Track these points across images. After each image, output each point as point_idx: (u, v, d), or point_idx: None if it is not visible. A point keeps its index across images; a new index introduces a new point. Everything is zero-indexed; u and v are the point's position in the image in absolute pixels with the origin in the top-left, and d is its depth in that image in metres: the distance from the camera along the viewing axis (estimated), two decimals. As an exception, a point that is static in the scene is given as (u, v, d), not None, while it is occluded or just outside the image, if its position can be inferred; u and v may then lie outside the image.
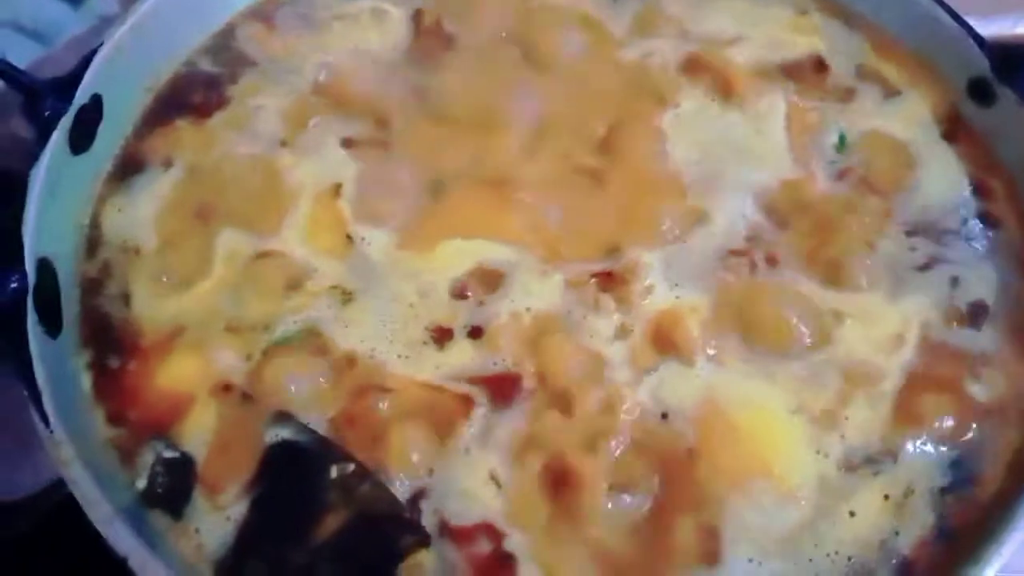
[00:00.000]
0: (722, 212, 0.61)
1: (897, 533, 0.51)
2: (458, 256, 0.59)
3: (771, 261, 0.60)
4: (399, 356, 0.55)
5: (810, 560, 0.50)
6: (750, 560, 0.50)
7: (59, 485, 0.62)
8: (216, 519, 0.50)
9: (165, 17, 0.66)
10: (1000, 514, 0.49)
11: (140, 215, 0.60)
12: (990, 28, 1.00)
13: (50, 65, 0.83)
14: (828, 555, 0.50)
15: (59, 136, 0.57)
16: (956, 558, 0.49)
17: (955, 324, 0.57)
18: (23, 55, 0.80)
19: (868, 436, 0.53)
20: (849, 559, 0.50)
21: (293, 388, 0.53)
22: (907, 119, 0.66)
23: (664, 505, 0.51)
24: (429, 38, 0.70)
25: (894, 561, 0.50)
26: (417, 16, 0.72)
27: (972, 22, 1.00)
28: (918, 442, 0.53)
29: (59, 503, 0.64)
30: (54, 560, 0.67)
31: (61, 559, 0.66)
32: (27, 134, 0.62)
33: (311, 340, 0.55)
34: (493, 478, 0.51)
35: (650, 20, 0.72)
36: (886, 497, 0.52)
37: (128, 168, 0.63)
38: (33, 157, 0.56)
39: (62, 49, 0.84)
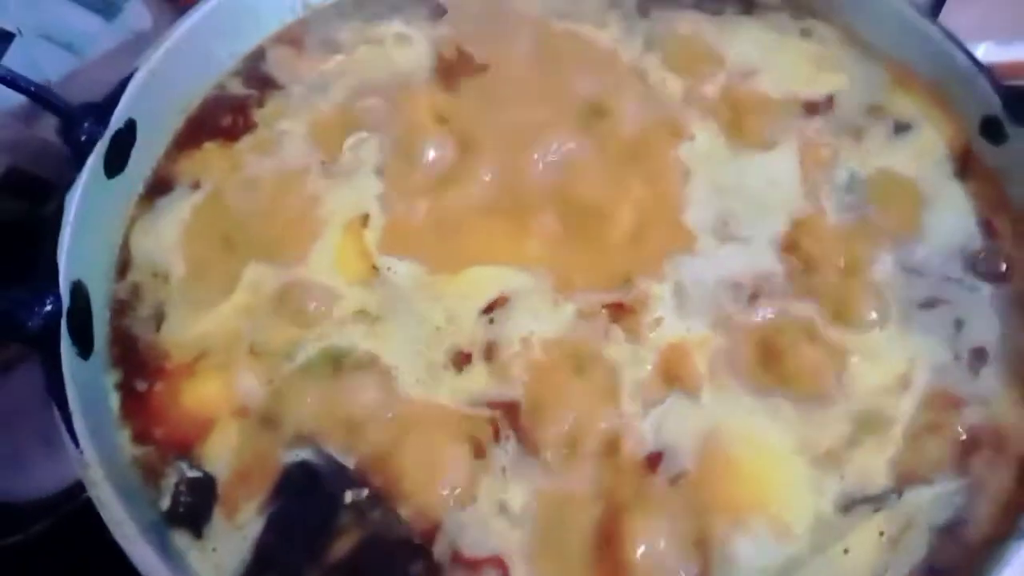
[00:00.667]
0: (734, 246, 0.63)
1: (886, 570, 0.52)
2: (478, 284, 0.61)
3: (781, 298, 0.61)
4: (417, 380, 0.57)
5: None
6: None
7: (79, 487, 0.66)
8: (234, 538, 0.52)
9: (198, 40, 0.68)
10: (987, 554, 0.50)
11: (167, 238, 0.62)
12: (1010, 53, 1.02)
13: (82, 78, 0.85)
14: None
15: (94, 161, 0.59)
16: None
17: (957, 367, 0.58)
18: (55, 67, 0.83)
19: (869, 478, 0.55)
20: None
21: (311, 413, 0.55)
22: (921, 154, 0.67)
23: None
24: (452, 63, 0.72)
25: (877, 599, 0.51)
26: (440, 42, 0.73)
27: (992, 47, 1.01)
28: (918, 484, 0.54)
29: (78, 508, 0.68)
30: (70, 562, 0.69)
31: (77, 561, 0.68)
32: (55, 139, 0.64)
33: (332, 365, 0.57)
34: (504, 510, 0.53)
35: (671, 47, 0.73)
36: (881, 534, 0.53)
37: (158, 190, 0.65)
38: (62, 163, 0.59)
39: (94, 63, 0.86)
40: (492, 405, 0.56)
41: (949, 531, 0.53)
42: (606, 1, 0.76)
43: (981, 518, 0.53)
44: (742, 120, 0.68)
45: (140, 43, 0.87)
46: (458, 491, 0.53)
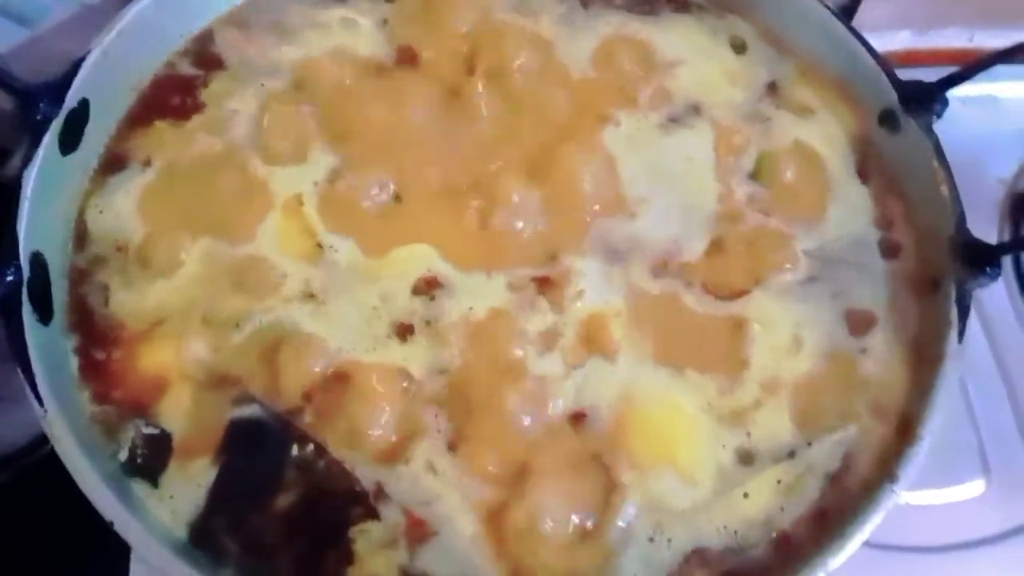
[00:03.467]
0: (650, 226, 0.68)
1: (782, 509, 0.59)
2: (412, 261, 0.65)
3: (689, 272, 0.67)
4: (367, 350, 0.62)
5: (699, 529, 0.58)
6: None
7: (38, 443, 0.69)
8: (188, 486, 0.57)
9: (149, 20, 0.70)
10: (866, 498, 0.57)
11: (121, 212, 0.65)
12: (931, 41, 1.09)
13: (35, 49, 0.87)
14: (717, 528, 0.58)
15: (50, 138, 0.62)
16: (826, 532, 0.57)
17: (847, 331, 0.65)
18: (7, 38, 0.85)
19: (775, 434, 0.61)
20: (735, 533, 0.58)
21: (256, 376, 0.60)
22: (823, 140, 0.73)
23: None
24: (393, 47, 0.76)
25: (773, 535, 0.58)
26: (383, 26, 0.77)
27: (910, 36, 1.08)
28: (814, 440, 0.61)
29: (38, 460, 0.71)
30: (30, 512, 0.73)
31: (37, 511, 0.72)
32: (7, 106, 0.67)
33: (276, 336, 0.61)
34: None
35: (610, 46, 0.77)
36: (778, 482, 0.60)
37: (111, 166, 0.68)
38: (16, 131, 0.61)
39: (46, 32, 0.88)
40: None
41: (836, 478, 0.60)
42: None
43: (861, 466, 0.60)
44: (662, 108, 0.73)
45: (91, 15, 0.89)
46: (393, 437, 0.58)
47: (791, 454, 0.60)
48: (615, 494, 0.57)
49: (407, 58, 0.75)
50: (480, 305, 0.64)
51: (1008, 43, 1.03)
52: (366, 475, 0.57)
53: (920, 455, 0.57)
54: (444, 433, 0.59)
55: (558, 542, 0.56)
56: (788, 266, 0.67)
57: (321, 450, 0.58)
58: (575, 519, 0.57)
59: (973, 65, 0.68)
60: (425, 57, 0.75)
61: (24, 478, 0.73)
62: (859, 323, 0.66)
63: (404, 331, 0.63)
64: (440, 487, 0.57)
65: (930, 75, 0.69)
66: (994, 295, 0.87)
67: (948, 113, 0.68)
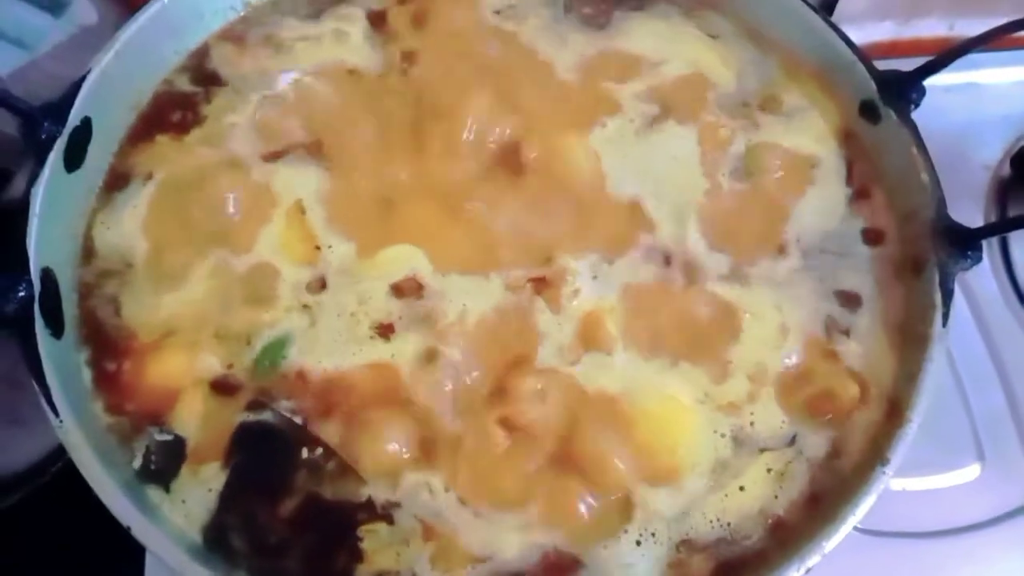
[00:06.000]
0: (642, 223, 0.70)
1: (776, 496, 0.61)
2: (405, 260, 0.67)
3: (684, 266, 0.68)
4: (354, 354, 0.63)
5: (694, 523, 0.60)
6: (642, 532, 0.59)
7: (48, 462, 0.71)
8: (200, 491, 0.59)
9: (146, 39, 0.72)
10: (858, 482, 0.59)
11: (126, 228, 0.67)
12: (912, 30, 1.10)
13: (33, 72, 0.89)
14: (710, 522, 0.60)
15: (55, 156, 0.64)
16: (820, 516, 0.58)
17: (835, 314, 0.67)
18: (7, 62, 0.87)
19: (764, 421, 0.63)
20: (729, 524, 0.60)
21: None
22: (809, 134, 0.75)
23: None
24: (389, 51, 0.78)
25: (770, 521, 0.60)
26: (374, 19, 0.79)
27: (891, 26, 1.09)
28: (806, 426, 0.63)
29: (48, 481, 0.73)
30: (42, 532, 0.74)
31: (49, 530, 0.73)
32: (9, 129, 0.69)
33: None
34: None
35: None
36: (768, 470, 0.62)
37: (116, 183, 0.69)
38: (18, 154, 0.64)
39: (44, 57, 0.90)
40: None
41: (826, 463, 0.62)
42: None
43: (852, 451, 0.62)
44: (648, 106, 0.75)
45: (87, 37, 0.92)
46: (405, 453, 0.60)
47: (791, 441, 0.62)
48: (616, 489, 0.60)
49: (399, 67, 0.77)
50: (478, 306, 0.65)
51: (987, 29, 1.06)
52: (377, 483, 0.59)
53: (909, 437, 0.59)
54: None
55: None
56: (775, 254, 0.69)
57: (330, 453, 0.59)
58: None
59: (948, 53, 0.69)
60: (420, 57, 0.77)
61: (33, 501, 0.75)
62: (847, 302, 0.67)
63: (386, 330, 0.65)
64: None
65: (912, 65, 0.70)
66: (982, 279, 0.89)
67: (932, 101, 0.70)
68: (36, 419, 0.56)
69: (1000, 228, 0.81)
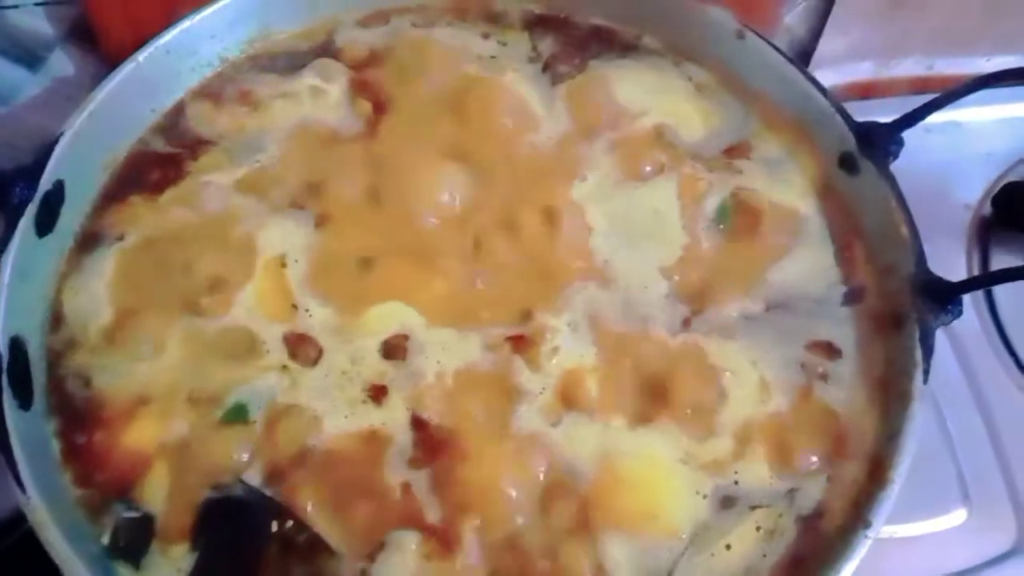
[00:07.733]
0: (624, 279, 0.70)
1: (764, 555, 0.60)
2: (385, 320, 0.66)
3: (667, 324, 0.68)
4: (345, 417, 0.63)
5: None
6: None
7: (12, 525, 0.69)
8: (169, 570, 0.57)
9: (120, 99, 0.72)
10: (841, 545, 0.58)
11: (95, 293, 0.66)
12: (892, 70, 1.11)
13: (10, 124, 0.89)
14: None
15: (26, 222, 0.63)
16: (803, 579, 0.58)
17: (813, 372, 0.66)
18: (-17, 115, 0.87)
19: (750, 480, 0.62)
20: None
21: (234, 457, 0.60)
22: (787, 186, 0.75)
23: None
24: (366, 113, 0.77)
25: (755, 584, 0.59)
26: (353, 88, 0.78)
27: (871, 67, 1.10)
28: (791, 482, 0.62)
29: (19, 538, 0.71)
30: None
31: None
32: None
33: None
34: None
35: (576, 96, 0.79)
36: (758, 528, 0.60)
37: (86, 245, 0.69)
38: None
39: (21, 108, 0.90)
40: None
41: (810, 522, 0.61)
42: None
43: (835, 510, 0.61)
44: (628, 159, 0.75)
45: (64, 89, 0.92)
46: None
47: (788, 494, 0.61)
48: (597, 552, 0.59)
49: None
50: (454, 363, 0.65)
51: (967, 69, 1.07)
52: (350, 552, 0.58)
53: (891, 498, 0.58)
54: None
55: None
56: (750, 305, 0.69)
57: (301, 525, 0.58)
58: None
59: (927, 106, 0.70)
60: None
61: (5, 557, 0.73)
62: (827, 354, 0.67)
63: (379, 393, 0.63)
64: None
65: (894, 105, 0.72)
66: (967, 324, 0.89)
67: (912, 141, 0.70)
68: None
69: (980, 283, 0.81)
